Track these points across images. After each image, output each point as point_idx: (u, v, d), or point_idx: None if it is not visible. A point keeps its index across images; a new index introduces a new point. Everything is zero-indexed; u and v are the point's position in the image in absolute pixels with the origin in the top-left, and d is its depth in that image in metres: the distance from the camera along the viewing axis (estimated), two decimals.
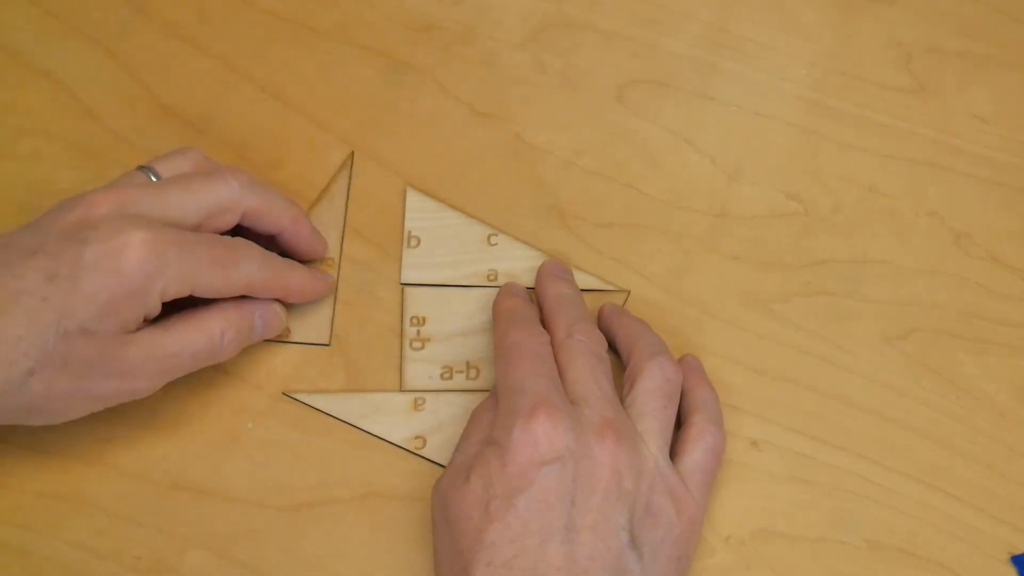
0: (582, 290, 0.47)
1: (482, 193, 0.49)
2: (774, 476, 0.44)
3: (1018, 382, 0.46)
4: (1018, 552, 0.43)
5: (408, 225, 0.49)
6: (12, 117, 0.51)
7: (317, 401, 0.45)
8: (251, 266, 0.42)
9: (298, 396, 0.45)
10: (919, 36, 0.54)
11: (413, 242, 0.48)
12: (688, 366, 0.44)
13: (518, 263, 0.48)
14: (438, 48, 0.53)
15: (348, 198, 0.49)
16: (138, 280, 0.38)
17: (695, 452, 0.41)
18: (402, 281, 0.47)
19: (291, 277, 0.44)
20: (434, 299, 0.47)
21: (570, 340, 0.42)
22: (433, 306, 0.47)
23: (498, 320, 0.44)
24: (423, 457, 0.44)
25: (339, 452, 0.44)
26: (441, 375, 0.46)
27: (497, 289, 0.47)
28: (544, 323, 0.44)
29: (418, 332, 0.47)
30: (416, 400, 0.45)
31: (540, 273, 0.46)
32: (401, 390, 0.45)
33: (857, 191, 0.50)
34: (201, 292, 0.41)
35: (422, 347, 0.46)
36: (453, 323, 0.47)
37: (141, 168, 0.43)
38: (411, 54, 0.53)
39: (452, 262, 0.48)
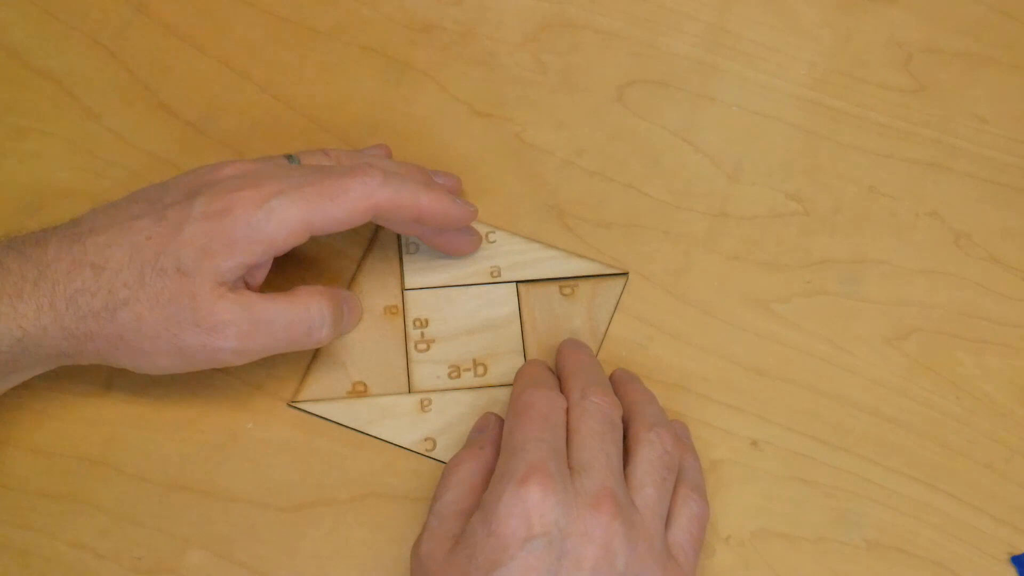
0: (581, 276, 0.47)
1: (482, 193, 0.49)
2: (774, 476, 0.44)
3: (1018, 382, 0.46)
4: (1018, 552, 0.43)
5: None
6: (12, 117, 0.51)
7: (323, 409, 0.45)
8: (369, 187, 0.41)
9: (303, 406, 0.45)
10: (919, 36, 0.54)
11: (412, 248, 0.48)
12: (627, 377, 0.44)
13: (518, 257, 0.48)
14: (438, 48, 0.53)
15: (400, 243, 0.48)
16: (239, 230, 0.39)
17: (680, 520, 0.39)
18: (405, 287, 0.47)
19: (422, 196, 0.42)
20: (435, 300, 0.47)
21: (584, 402, 0.40)
22: (434, 307, 0.47)
23: (517, 380, 0.43)
24: (433, 459, 0.44)
25: (339, 452, 0.44)
26: (449, 374, 0.46)
27: (501, 285, 0.47)
28: (561, 388, 0.42)
29: (422, 334, 0.47)
30: (423, 401, 0.45)
31: (560, 345, 0.45)
32: (410, 392, 0.45)
33: (857, 191, 0.50)
34: (321, 229, 0.41)
35: (427, 348, 0.46)
36: (456, 322, 0.47)
37: (286, 156, 0.44)
38: (411, 54, 0.53)
39: (453, 263, 0.48)
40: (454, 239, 0.47)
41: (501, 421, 0.43)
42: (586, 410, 0.40)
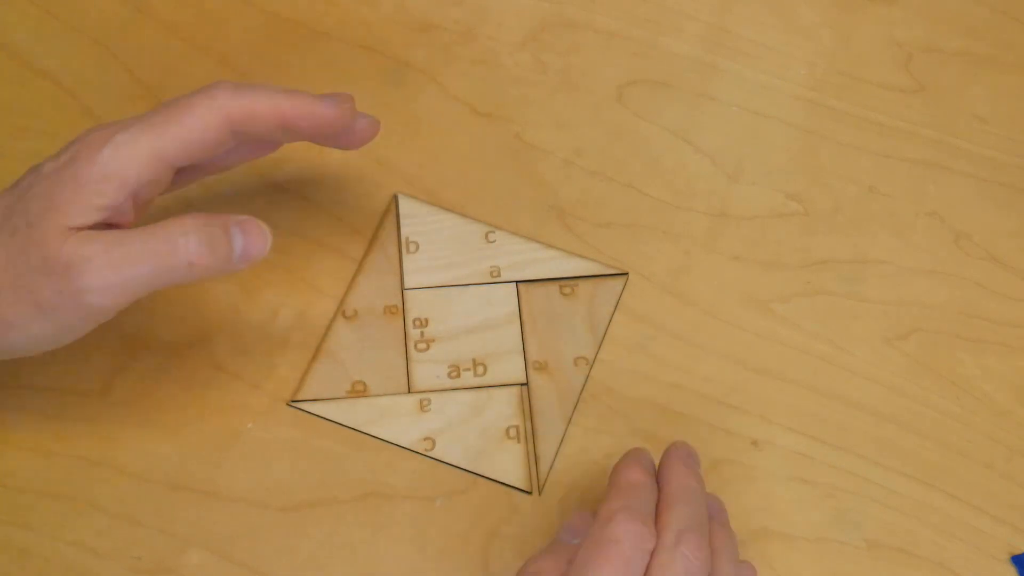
0: (581, 276, 0.47)
1: (482, 193, 0.49)
2: (774, 476, 0.44)
3: (1018, 382, 0.46)
4: (1018, 552, 0.43)
5: (404, 231, 0.49)
6: (12, 117, 0.51)
7: (323, 409, 0.45)
8: (217, 100, 0.38)
9: (303, 405, 0.45)
10: (919, 36, 0.54)
11: (412, 247, 0.48)
12: (712, 510, 0.40)
13: (518, 257, 0.48)
14: (438, 48, 0.53)
15: (400, 243, 0.48)
16: (85, 172, 0.37)
17: None
18: (406, 287, 0.47)
19: (280, 99, 0.39)
20: (435, 300, 0.47)
21: (675, 552, 0.36)
22: (434, 307, 0.47)
23: (613, 489, 0.38)
24: (433, 458, 0.44)
25: (339, 452, 0.44)
26: (448, 374, 0.46)
27: (501, 285, 0.47)
28: (658, 509, 0.38)
29: (421, 334, 0.47)
30: (422, 401, 0.45)
31: (668, 454, 0.40)
32: (410, 392, 0.45)
33: (857, 191, 0.50)
34: (177, 156, 0.38)
35: (427, 348, 0.46)
36: (456, 322, 0.47)
37: None
38: (411, 54, 0.53)
39: (453, 263, 0.48)
40: (347, 132, 0.42)
41: None
42: (674, 563, 0.36)
